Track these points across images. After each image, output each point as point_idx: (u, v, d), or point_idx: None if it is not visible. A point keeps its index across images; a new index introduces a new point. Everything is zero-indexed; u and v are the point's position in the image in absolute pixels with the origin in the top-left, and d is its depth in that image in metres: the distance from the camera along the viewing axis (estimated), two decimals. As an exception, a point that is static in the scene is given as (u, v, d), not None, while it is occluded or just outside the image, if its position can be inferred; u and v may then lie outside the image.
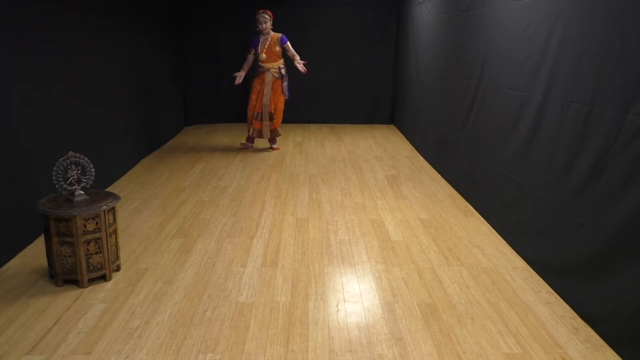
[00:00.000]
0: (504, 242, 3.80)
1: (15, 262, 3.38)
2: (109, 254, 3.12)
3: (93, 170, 3.13)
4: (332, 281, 3.20)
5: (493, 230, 4.03)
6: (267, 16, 6.29)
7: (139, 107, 5.99)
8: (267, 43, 6.36)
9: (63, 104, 4.09)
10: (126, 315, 2.78)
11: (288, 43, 6.41)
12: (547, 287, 3.13)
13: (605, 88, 2.65)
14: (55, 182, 3.01)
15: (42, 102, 3.80)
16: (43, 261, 3.27)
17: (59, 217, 2.94)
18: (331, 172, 5.68)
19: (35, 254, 3.47)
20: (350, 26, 8.21)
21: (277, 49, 6.38)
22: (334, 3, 8.16)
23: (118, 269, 3.28)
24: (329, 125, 8.56)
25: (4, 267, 3.30)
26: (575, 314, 2.83)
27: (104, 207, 3.04)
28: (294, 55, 6.40)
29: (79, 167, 3.10)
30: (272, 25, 6.38)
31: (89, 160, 3.12)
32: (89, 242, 3.02)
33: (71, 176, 3.08)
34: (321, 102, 8.51)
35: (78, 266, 3.01)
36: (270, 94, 6.44)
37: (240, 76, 6.52)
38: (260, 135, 6.66)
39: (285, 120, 6.80)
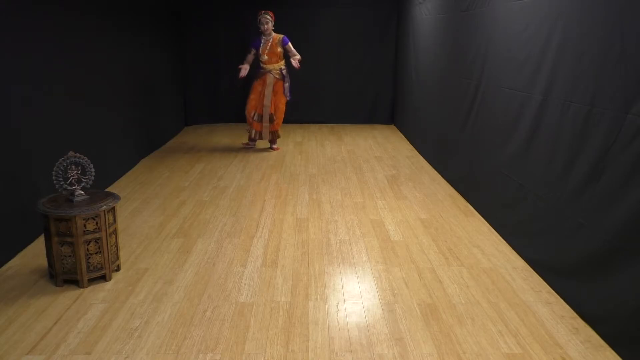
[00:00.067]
0: (504, 242, 3.80)
1: (15, 262, 3.38)
2: (109, 254, 3.12)
3: (93, 170, 3.13)
4: (332, 281, 3.20)
5: (493, 230, 4.03)
6: (268, 17, 6.28)
7: (139, 107, 5.99)
8: (269, 44, 6.35)
9: (63, 104, 4.09)
10: (126, 315, 2.78)
11: (290, 44, 6.40)
12: (547, 287, 3.13)
13: (605, 88, 2.65)
14: (55, 182, 3.01)
15: (42, 102, 3.80)
16: (43, 261, 3.27)
17: (59, 217, 2.94)
18: (331, 172, 5.68)
19: (35, 254, 3.47)
20: (350, 26, 8.21)
21: (279, 50, 6.37)
22: (334, 3, 8.17)
23: (118, 269, 3.28)
24: (329, 125, 8.56)
25: (4, 267, 3.30)
26: (575, 314, 2.83)
27: (104, 207, 3.04)
28: (294, 55, 6.39)
29: (79, 167, 3.10)
30: (273, 25, 6.38)
31: (89, 160, 3.12)
32: (89, 242, 3.02)
33: (71, 176, 3.08)
34: (321, 102, 8.50)
35: (78, 266, 3.01)
36: (271, 95, 6.44)
37: (245, 69, 6.41)
38: (260, 137, 6.67)
39: (285, 120, 6.79)
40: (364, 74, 8.40)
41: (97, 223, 3.02)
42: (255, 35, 6.51)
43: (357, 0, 8.14)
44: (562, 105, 3.05)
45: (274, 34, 6.37)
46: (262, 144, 6.87)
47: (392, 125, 8.60)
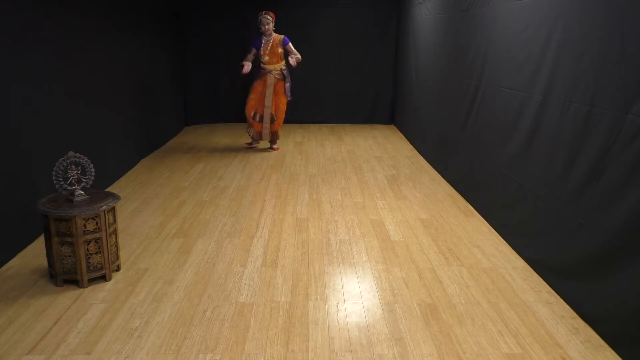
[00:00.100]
0: (504, 242, 3.80)
1: (15, 262, 3.38)
2: (109, 254, 3.12)
3: (93, 170, 3.13)
4: (332, 281, 3.20)
5: (493, 230, 4.03)
6: (269, 18, 6.27)
7: (139, 107, 5.99)
8: (270, 44, 6.34)
9: (63, 104, 4.09)
10: (126, 315, 2.78)
11: (290, 44, 6.40)
12: (547, 287, 3.13)
13: (605, 88, 2.65)
14: (55, 182, 3.01)
15: (42, 102, 3.80)
16: (43, 261, 3.27)
17: (59, 217, 2.94)
18: (331, 172, 5.68)
19: (35, 254, 3.47)
20: (350, 26, 8.21)
21: (280, 50, 6.37)
22: (334, 3, 8.16)
23: (118, 269, 3.28)
24: (329, 125, 8.56)
25: (4, 267, 3.30)
26: (575, 314, 2.83)
27: (104, 207, 3.04)
28: (294, 55, 6.38)
29: (79, 167, 3.10)
30: (274, 26, 6.37)
31: (89, 160, 3.12)
32: (89, 242, 3.02)
33: (71, 176, 3.08)
34: (321, 102, 8.51)
35: (78, 266, 3.01)
36: (272, 95, 6.44)
37: (248, 65, 6.37)
38: (260, 137, 6.67)
39: (285, 120, 6.79)
40: (364, 74, 8.40)
41: (97, 223, 3.02)
42: (255, 36, 6.51)
43: (357, 0, 8.14)
44: (562, 105, 3.05)
45: (274, 35, 6.37)
46: (262, 144, 6.87)
47: (392, 125, 8.60)
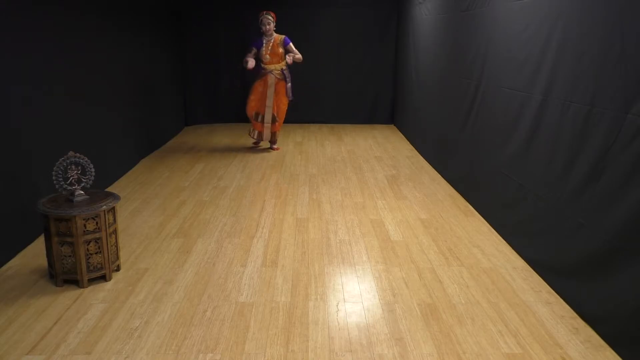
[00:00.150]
0: (504, 242, 3.80)
1: (15, 262, 3.38)
2: (109, 254, 3.12)
3: (93, 170, 3.13)
4: (332, 281, 3.20)
5: (493, 230, 4.03)
6: (270, 17, 6.27)
7: (139, 107, 5.99)
8: (270, 44, 6.34)
9: (63, 104, 4.09)
10: (126, 315, 2.78)
11: (291, 44, 6.40)
12: (547, 287, 3.13)
13: (605, 88, 2.65)
14: (55, 182, 3.01)
15: (42, 102, 3.80)
16: (43, 261, 3.27)
17: (59, 217, 2.94)
18: (331, 172, 5.68)
19: (35, 254, 3.47)
20: (350, 26, 8.21)
21: (280, 50, 6.37)
22: (334, 3, 8.16)
23: (118, 269, 3.28)
24: (329, 125, 8.56)
25: (4, 267, 3.30)
26: (575, 314, 2.83)
27: (104, 207, 3.04)
28: (295, 55, 6.38)
29: (79, 167, 3.10)
30: (275, 26, 6.37)
31: (89, 160, 3.12)
32: (89, 242, 3.02)
33: (71, 176, 3.08)
34: (321, 102, 8.50)
35: (78, 266, 3.01)
36: (273, 95, 6.43)
37: (252, 61, 6.30)
38: (261, 137, 6.68)
39: (285, 120, 6.79)
40: (364, 74, 8.40)
41: (97, 223, 3.02)
42: (255, 35, 6.51)
43: (357, 0, 8.14)
44: (562, 105, 3.05)
45: (275, 35, 6.37)
46: (263, 143, 6.87)
47: (392, 125, 8.60)
